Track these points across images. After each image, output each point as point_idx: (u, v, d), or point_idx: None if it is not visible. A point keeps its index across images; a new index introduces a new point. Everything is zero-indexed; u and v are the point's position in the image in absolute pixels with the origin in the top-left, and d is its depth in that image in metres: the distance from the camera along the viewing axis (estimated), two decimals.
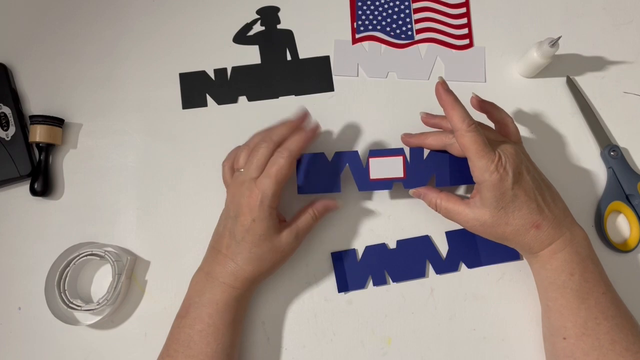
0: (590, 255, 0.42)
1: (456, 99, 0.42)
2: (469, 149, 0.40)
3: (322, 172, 0.47)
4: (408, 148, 0.48)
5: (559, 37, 0.48)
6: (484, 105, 0.47)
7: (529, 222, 0.41)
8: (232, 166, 0.47)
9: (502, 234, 0.42)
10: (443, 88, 0.42)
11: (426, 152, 0.48)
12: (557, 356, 0.42)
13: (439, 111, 0.52)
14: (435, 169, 0.47)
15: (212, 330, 0.42)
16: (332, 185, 0.47)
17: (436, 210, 0.45)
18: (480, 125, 0.43)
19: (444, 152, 0.47)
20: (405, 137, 0.49)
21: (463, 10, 0.57)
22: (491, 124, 0.48)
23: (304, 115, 0.47)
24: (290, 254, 0.46)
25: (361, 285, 0.49)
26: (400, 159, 0.47)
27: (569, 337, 0.40)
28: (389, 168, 0.47)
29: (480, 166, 0.40)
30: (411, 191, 0.47)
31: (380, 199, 0.51)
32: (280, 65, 0.55)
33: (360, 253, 0.50)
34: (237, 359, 0.45)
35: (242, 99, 0.55)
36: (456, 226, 0.50)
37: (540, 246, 0.42)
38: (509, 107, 0.53)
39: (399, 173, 0.47)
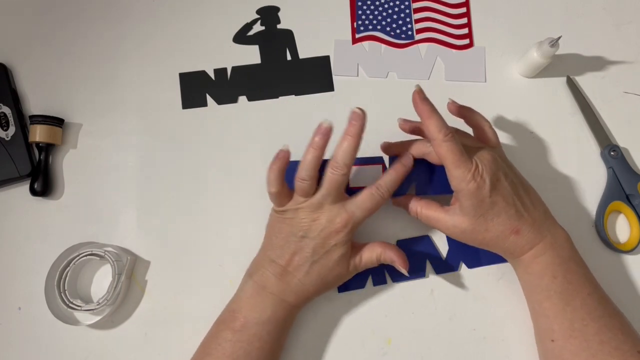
0: (573, 257, 0.42)
1: (432, 108, 0.41)
2: (445, 158, 0.41)
3: None
4: (387, 157, 0.48)
5: (559, 37, 0.48)
6: (461, 111, 0.47)
7: (508, 228, 0.41)
8: (283, 190, 0.44)
9: (482, 241, 0.43)
10: (419, 97, 0.42)
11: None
12: (547, 358, 0.42)
13: (440, 112, 0.53)
14: (415, 178, 0.46)
15: (268, 347, 0.42)
16: None
17: (417, 218, 0.46)
18: (457, 132, 0.44)
19: (424, 160, 0.46)
20: (384, 146, 0.48)
21: (463, 10, 0.57)
22: (469, 130, 0.47)
23: (361, 117, 0.42)
24: (344, 281, 0.46)
25: (361, 285, 0.49)
26: (379, 167, 0.48)
27: (557, 340, 0.40)
28: (368, 176, 0.47)
29: (457, 175, 0.40)
30: (392, 201, 0.47)
31: None
32: (280, 65, 0.55)
33: None
34: None
35: (242, 99, 0.55)
36: None
37: (521, 251, 0.42)
38: (509, 107, 0.53)
39: None
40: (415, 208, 0.45)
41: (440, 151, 0.41)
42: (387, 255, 0.44)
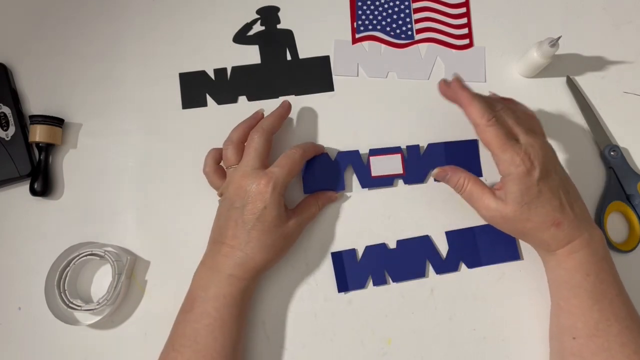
0: (606, 256, 0.42)
1: (472, 94, 0.41)
2: (490, 144, 0.40)
3: (327, 172, 0.50)
4: (405, 145, 0.51)
5: (559, 37, 0.48)
6: (504, 100, 0.47)
7: (550, 219, 0.41)
8: (216, 169, 0.48)
9: (521, 229, 0.42)
10: (459, 84, 0.42)
11: (422, 148, 0.50)
12: (563, 355, 0.42)
13: (440, 111, 0.53)
14: (433, 164, 0.49)
15: (219, 324, 0.42)
16: (336, 183, 0.50)
17: (460, 191, 0.45)
18: (507, 109, 0.42)
19: (441, 146, 0.49)
20: (442, 86, 0.45)
21: (463, 10, 0.57)
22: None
23: (288, 107, 0.50)
24: (294, 241, 0.47)
25: (361, 285, 0.49)
26: (398, 156, 0.50)
27: (579, 337, 0.40)
28: (389, 165, 0.50)
29: (506, 159, 0.40)
30: (435, 172, 0.46)
31: (380, 199, 0.51)
32: (280, 65, 0.55)
33: (360, 253, 0.50)
34: (241, 354, 0.45)
35: (242, 99, 0.55)
36: (456, 226, 0.50)
37: (558, 245, 0.42)
38: None
39: (399, 169, 0.50)
40: (462, 181, 0.44)
41: (484, 137, 0.41)
42: (322, 200, 0.49)
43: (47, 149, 0.52)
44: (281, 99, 0.54)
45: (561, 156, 0.52)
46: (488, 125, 0.40)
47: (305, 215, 0.47)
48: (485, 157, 0.52)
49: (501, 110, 0.42)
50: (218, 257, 0.43)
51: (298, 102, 0.54)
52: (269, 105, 0.54)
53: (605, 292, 0.40)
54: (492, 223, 0.44)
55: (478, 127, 0.41)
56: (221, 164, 0.49)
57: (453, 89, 0.42)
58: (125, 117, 0.54)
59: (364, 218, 0.51)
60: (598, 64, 0.55)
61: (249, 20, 0.57)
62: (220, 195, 0.47)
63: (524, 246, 0.49)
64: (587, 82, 0.54)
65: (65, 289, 0.47)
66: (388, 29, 0.56)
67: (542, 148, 0.41)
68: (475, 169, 0.51)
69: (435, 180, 0.47)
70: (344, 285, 0.49)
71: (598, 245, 0.42)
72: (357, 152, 0.51)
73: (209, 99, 0.55)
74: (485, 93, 0.54)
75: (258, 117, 0.50)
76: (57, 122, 0.52)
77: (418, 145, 0.50)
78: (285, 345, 0.48)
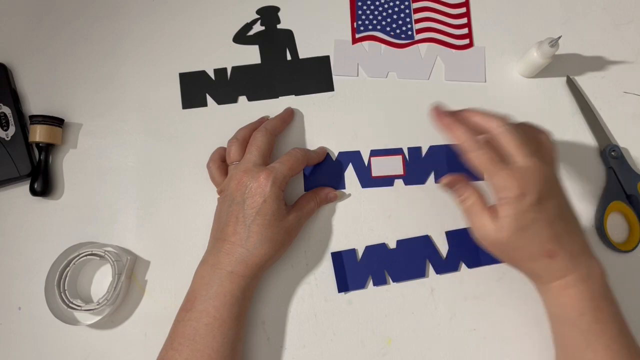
0: (605, 294, 0.39)
1: (455, 121, 0.40)
2: (479, 169, 0.39)
3: (328, 171, 0.51)
4: (406, 147, 0.51)
5: (559, 37, 0.48)
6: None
7: (544, 249, 0.38)
8: (220, 166, 0.49)
9: (512, 256, 0.41)
10: (438, 113, 0.41)
11: (424, 150, 0.51)
12: None
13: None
14: (434, 166, 0.50)
15: (218, 323, 0.42)
16: (336, 183, 0.51)
17: (460, 204, 0.42)
18: (507, 132, 0.39)
19: (443, 148, 0.50)
20: (437, 113, 0.43)
21: (463, 10, 0.57)
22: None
23: (291, 112, 0.52)
24: (294, 237, 0.47)
25: (361, 285, 0.49)
26: (399, 157, 0.51)
27: None
28: (389, 166, 0.51)
29: (496, 184, 0.38)
30: (445, 181, 0.43)
31: (380, 199, 0.51)
32: (280, 65, 0.55)
33: (360, 253, 0.50)
34: (241, 354, 0.45)
35: (242, 99, 0.55)
36: (456, 226, 0.50)
37: (551, 278, 0.40)
38: (509, 107, 0.53)
39: (399, 170, 0.51)
40: (467, 195, 0.41)
41: (473, 163, 0.39)
42: (321, 197, 0.49)
43: (47, 149, 0.52)
44: (281, 99, 0.54)
45: (561, 156, 0.52)
46: (475, 149, 0.39)
47: (304, 210, 0.47)
48: None
49: (500, 133, 0.39)
50: (219, 254, 0.43)
51: (298, 102, 0.54)
52: (269, 105, 0.54)
53: (601, 333, 0.38)
54: (483, 244, 0.41)
55: (466, 153, 0.40)
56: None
57: (434, 117, 0.42)
58: (125, 117, 0.54)
59: (364, 218, 0.51)
60: (598, 64, 0.55)
61: (249, 20, 0.57)
62: (220, 192, 0.47)
63: None
64: (587, 82, 0.54)
65: (65, 289, 0.47)
66: (388, 29, 0.56)
67: (539, 173, 0.38)
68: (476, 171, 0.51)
69: (442, 185, 0.44)
70: (344, 285, 0.49)
71: (596, 282, 0.39)
72: (358, 152, 0.52)
73: (209, 99, 0.55)
74: (485, 93, 0.54)
75: (263, 121, 0.51)
76: (57, 122, 0.52)
77: (420, 148, 0.51)
78: (285, 345, 0.48)
